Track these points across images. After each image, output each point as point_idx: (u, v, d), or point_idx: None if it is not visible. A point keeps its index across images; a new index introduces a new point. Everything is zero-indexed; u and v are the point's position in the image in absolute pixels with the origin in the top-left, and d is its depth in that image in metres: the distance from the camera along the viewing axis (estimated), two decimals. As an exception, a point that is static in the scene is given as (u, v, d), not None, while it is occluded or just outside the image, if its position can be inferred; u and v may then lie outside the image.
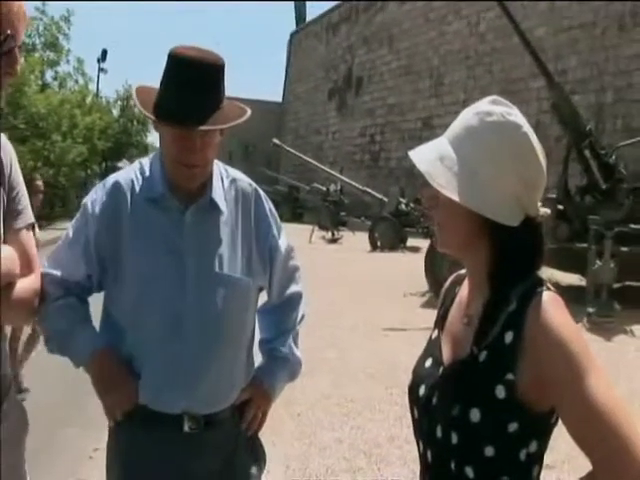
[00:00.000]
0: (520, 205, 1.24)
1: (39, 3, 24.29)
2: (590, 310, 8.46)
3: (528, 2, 21.27)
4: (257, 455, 2.03)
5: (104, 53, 37.23)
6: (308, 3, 54.21)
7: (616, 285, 9.04)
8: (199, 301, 1.84)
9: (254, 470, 1.99)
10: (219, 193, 1.91)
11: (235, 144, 38.14)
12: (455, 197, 1.22)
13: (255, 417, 2.00)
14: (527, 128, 1.25)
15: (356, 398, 5.60)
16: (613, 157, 10.58)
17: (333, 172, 23.25)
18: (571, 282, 10.55)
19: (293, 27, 46.53)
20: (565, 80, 18.41)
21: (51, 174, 20.77)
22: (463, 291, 1.38)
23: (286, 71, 45.88)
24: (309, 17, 44.76)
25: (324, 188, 25.99)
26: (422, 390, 1.33)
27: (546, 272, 9.27)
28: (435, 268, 9.61)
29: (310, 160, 22.46)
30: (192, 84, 1.74)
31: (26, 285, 1.65)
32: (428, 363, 1.37)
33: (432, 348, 1.39)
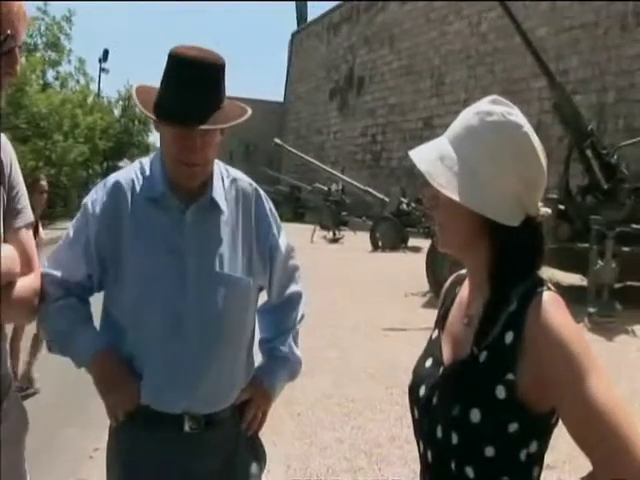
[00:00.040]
0: (520, 205, 1.24)
1: (41, 3, 24.32)
2: (591, 310, 8.45)
3: (529, 2, 21.26)
4: (257, 455, 2.03)
5: (105, 53, 37.26)
6: (309, 3, 54.29)
7: (617, 285, 9.03)
8: (200, 301, 1.84)
9: (254, 470, 1.99)
10: (220, 193, 1.91)
11: (236, 144, 38.15)
12: (455, 197, 1.22)
13: (255, 417, 2.00)
14: (528, 128, 1.25)
15: (357, 398, 5.59)
16: (615, 157, 10.58)
17: (335, 172, 23.26)
18: (572, 282, 10.55)
19: (294, 27, 46.57)
20: (567, 80, 18.41)
21: (52, 174, 20.77)
22: (464, 291, 1.38)
23: (287, 71, 45.89)
24: (310, 17, 44.80)
25: (325, 188, 26.00)
26: (422, 390, 1.33)
27: (547, 272, 9.28)
28: (436, 268, 9.61)
29: (312, 160, 22.47)
30: (193, 84, 1.74)
31: (26, 284, 1.65)
32: (428, 363, 1.36)
33: (432, 348, 1.39)
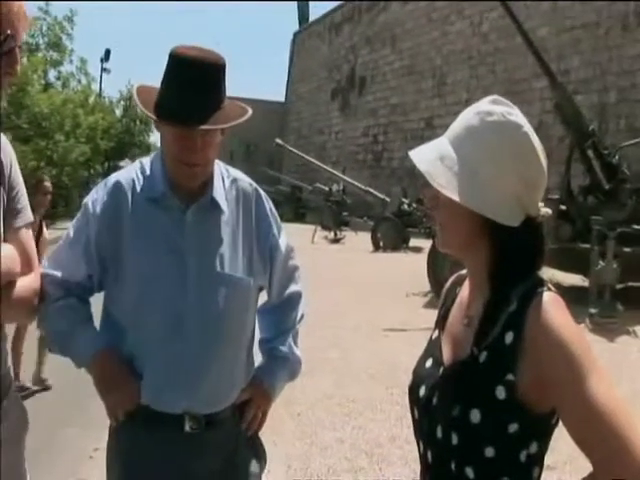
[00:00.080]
0: (520, 205, 1.24)
1: (42, 3, 24.35)
2: (593, 311, 8.45)
3: (531, 2, 21.24)
4: (258, 454, 2.03)
5: (107, 53, 37.30)
6: (311, 3, 54.44)
7: (619, 286, 9.02)
8: (200, 301, 1.84)
9: (255, 469, 1.99)
10: (220, 193, 1.91)
11: (237, 144, 38.16)
12: (455, 197, 1.22)
13: (255, 416, 2.00)
14: (528, 128, 1.25)
15: (357, 398, 5.59)
16: (616, 157, 10.57)
17: (336, 172, 23.26)
18: (573, 283, 10.54)
19: (296, 27, 46.59)
20: (568, 80, 18.40)
21: (54, 174, 20.78)
22: (464, 291, 1.38)
23: (289, 71, 45.90)
24: (312, 17, 44.82)
25: (327, 188, 26.00)
26: (422, 390, 1.33)
27: (548, 272, 9.27)
28: (437, 268, 9.60)
29: (313, 160, 22.47)
30: (193, 84, 1.74)
31: (26, 284, 1.65)
32: (428, 363, 1.36)
33: (432, 348, 1.39)
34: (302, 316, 2.14)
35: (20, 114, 19.97)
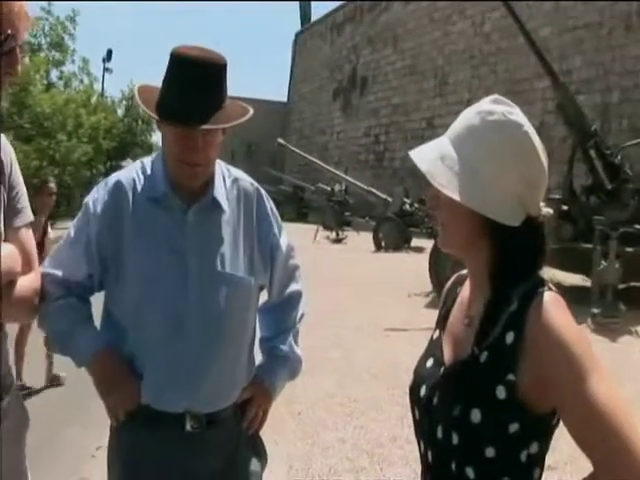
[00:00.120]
0: (521, 205, 1.24)
1: (45, 3, 24.36)
2: (595, 311, 8.44)
3: (533, 2, 21.22)
4: (259, 453, 2.04)
5: (109, 53, 37.32)
6: (313, 3, 54.33)
7: (621, 286, 9.00)
8: (202, 300, 1.84)
9: (256, 468, 2.00)
10: (221, 192, 1.91)
11: (238, 144, 38.14)
12: (456, 197, 1.21)
13: (256, 415, 2.00)
14: (528, 127, 1.24)
15: (359, 398, 5.59)
16: (618, 157, 10.56)
17: (338, 172, 23.25)
18: (576, 283, 10.53)
19: (298, 27, 46.59)
20: (570, 80, 18.38)
21: (56, 173, 20.79)
22: (465, 291, 1.38)
23: (291, 71, 45.91)
24: (314, 17, 44.82)
25: (329, 188, 26.00)
26: (423, 390, 1.33)
27: (550, 272, 9.26)
28: (439, 268, 9.59)
29: (315, 160, 22.46)
30: (194, 83, 1.74)
31: (26, 283, 1.66)
32: (429, 363, 1.36)
33: (433, 348, 1.39)
34: (302, 315, 2.14)
35: (22, 114, 19.98)
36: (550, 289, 1.23)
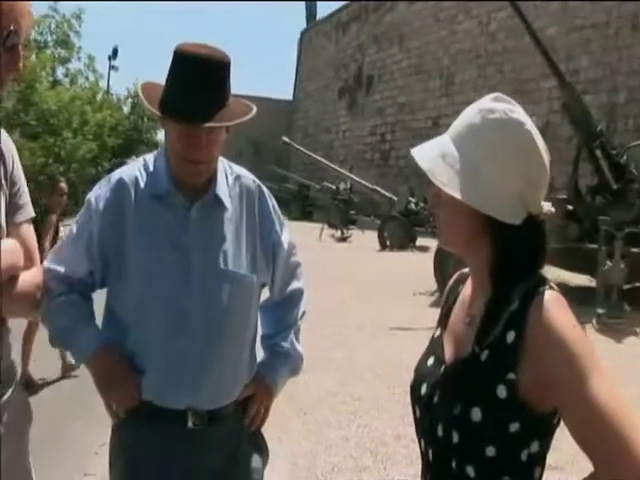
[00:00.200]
0: (523, 203, 1.23)
1: (51, 2, 24.38)
2: (600, 311, 8.42)
3: (540, 2, 21.16)
4: (260, 450, 2.04)
5: (115, 51, 37.42)
6: (319, 2, 54.43)
7: (626, 286, 8.98)
8: (204, 297, 1.85)
9: (257, 465, 2.00)
10: (223, 189, 1.91)
11: (244, 142, 38.14)
12: (457, 195, 1.21)
13: (258, 412, 2.01)
14: (530, 125, 1.24)
15: (363, 396, 5.60)
16: (624, 157, 10.53)
17: (343, 171, 23.23)
18: (581, 283, 10.51)
19: (303, 25, 46.57)
20: (577, 80, 18.32)
21: (62, 170, 20.83)
22: (466, 290, 1.38)
23: (296, 69, 45.89)
24: (319, 16, 44.77)
25: (334, 186, 25.96)
26: (424, 389, 1.33)
27: (555, 272, 9.25)
28: (444, 267, 9.57)
29: (320, 159, 22.46)
30: (198, 81, 1.74)
31: (28, 278, 1.66)
32: (430, 362, 1.36)
33: (434, 347, 1.38)
34: (304, 312, 2.15)
35: (28, 111, 20.01)
36: (551, 288, 1.22)
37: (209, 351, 1.85)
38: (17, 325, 1.89)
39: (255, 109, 1.86)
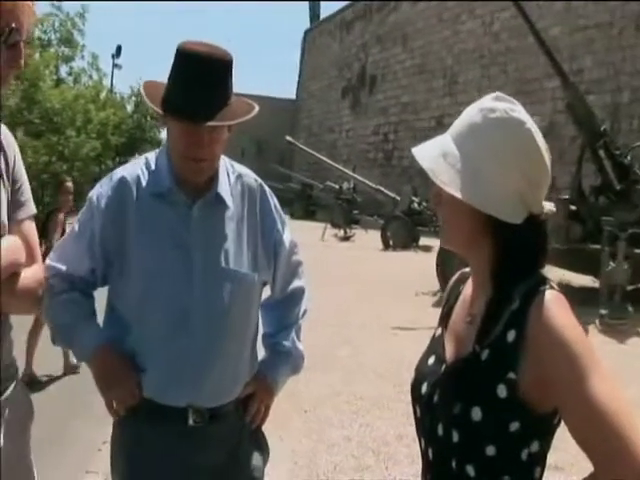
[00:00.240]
0: (523, 203, 1.23)
1: (55, 1, 24.41)
2: (603, 312, 8.40)
3: (543, 2, 21.12)
4: (261, 448, 2.04)
5: (118, 49, 37.41)
6: (322, 3, 54.42)
7: (630, 287, 8.96)
8: (206, 296, 1.85)
9: (258, 463, 2.01)
10: (225, 188, 1.91)
11: (247, 141, 38.16)
12: (458, 194, 1.21)
13: (259, 410, 2.01)
14: (531, 124, 1.24)
15: (365, 396, 5.59)
16: (628, 157, 10.50)
17: (346, 170, 23.22)
18: (584, 283, 10.50)
19: (307, 25, 46.59)
20: (581, 80, 18.28)
21: (65, 169, 20.87)
22: (467, 289, 1.38)
23: (300, 69, 45.89)
24: (323, 15, 44.80)
25: (337, 186, 25.96)
26: (424, 388, 1.33)
27: (558, 273, 9.23)
28: (446, 267, 9.56)
29: (323, 158, 22.46)
30: (200, 79, 1.74)
31: (29, 275, 1.66)
32: (431, 361, 1.36)
33: (435, 346, 1.38)
34: (305, 311, 2.15)
35: (32, 109, 20.04)
36: (552, 287, 1.22)
37: (210, 349, 1.85)
38: (23, 321, 1.90)
39: (257, 108, 1.86)
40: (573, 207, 10.22)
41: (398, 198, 20.46)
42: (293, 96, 46.30)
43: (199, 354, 1.84)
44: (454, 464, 1.24)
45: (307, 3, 47.46)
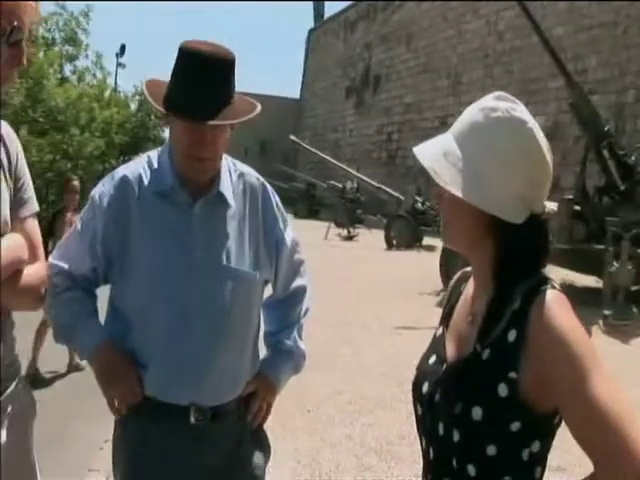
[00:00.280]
0: (525, 202, 1.23)
1: (59, 0, 24.44)
2: (607, 313, 8.38)
3: (548, 2, 21.08)
4: (262, 447, 2.05)
5: (122, 48, 37.44)
6: (326, 2, 54.51)
7: (633, 288, 8.93)
8: (207, 294, 1.85)
9: (259, 461, 2.01)
10: (227, 187, 1.91)
11: (251, 140, 38.17)
12: (459, 194, 1.21)
13: (260, 409, 2.01)
14: (532, 124, 1.23)
15: (368, 395, 5.60)
16: (632, 158, 10.48)
17: (350, 170, 23.23)
18: (588, 284, 10.47)
19: (311, 24, 46.60)
20: (585, 80, 18.25)
21: (69, 167, 20.91)
22: (469, 289, 1.38)
23: (304, 68, 45.89)
24: (327, 15, 44.80)
25: (341, 185, 25.96)
26: (425, 387, 1.33)
27: (562, 273, 9.21)
28: (450, 267, 9.56)
29: (327, 157, 22.49)
30: (203, 78, 1.74)
31: (32, 272, 1.67)
32: (432, 360, 1.36)
33: (436, 345, 1.38)
34: (307, 310, 2.15)
35: (36, 108, 20.07)
36: (554, 287, 1.22)
37: (211, 347, 1.86)
38: (29, 319, 1.91)
39: (259, 107, 1.86)
40: (577, 207, 10.19)
41: (402, 198, 20.48)
42: (297, 96, 46.32)
43: (200, 352, 1.84)
44: (455, 463, 1.24)
45: (311, 3, 47.53)
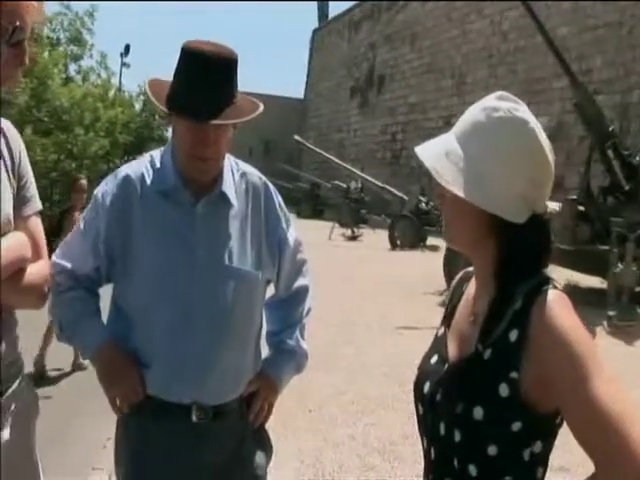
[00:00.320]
0: (527, 202, 1.23)
1: (64, 0, 24.48)
2: (611, 313, 8.35)
3: (552, 2, 21.04)
4: (264, 446, 2.05)
5: (127, 48, 37.47)
6: (331, 2, 54.53)
7: (638, 289, 8.90)
8: (209, 294, 1.85)
9: (261, 460, 2.01)
10: (230, 186, 1.91)
11: (255, 140, 38.17)
12: (460, 193, 1.21)
13: (262, 408, 2.02)
14: (534, 124, 1.23)
15: (371, 395, 5.59)
16: (637, 158, 10.45)
17: (354, 170, 23.21)
18: (592, 285, 10.45)
19: (316, 24, 46.60)
20: (590, 80, 18.20)
21: (74, 167, 20.94)
22: (471, 288, 1.38)
23: (308, 68, 45.89)
24: (331, 15, 44.79)
25: (345, 185, 25.95)
26: (427, 387, 1.33)
27: (566, 273, 9.19)
28: (453, 267, 9.54)
29: (331, 157, 22.48)
30: (205, 78, 1.75)
31: (35, 270, 1.67)
32: (434, 360, 1.36)
33: (438, 345, 1.38)
34: (309, 310, 2.15)
35: (41, 107, 20.10)
36: (555, 287, 1.22)
37: (213, 346, 1.86)
38: (32, 317, 1.91)
39: (262, 107, 1.86)
40: (581, 208, 10.16)
41: (406, 198, 20.46)
42: (301, 96, 46.31)
43: (202, 351, 1.85)
44: (456, 463, 1.24)
45: (315, 3, 47.48)
